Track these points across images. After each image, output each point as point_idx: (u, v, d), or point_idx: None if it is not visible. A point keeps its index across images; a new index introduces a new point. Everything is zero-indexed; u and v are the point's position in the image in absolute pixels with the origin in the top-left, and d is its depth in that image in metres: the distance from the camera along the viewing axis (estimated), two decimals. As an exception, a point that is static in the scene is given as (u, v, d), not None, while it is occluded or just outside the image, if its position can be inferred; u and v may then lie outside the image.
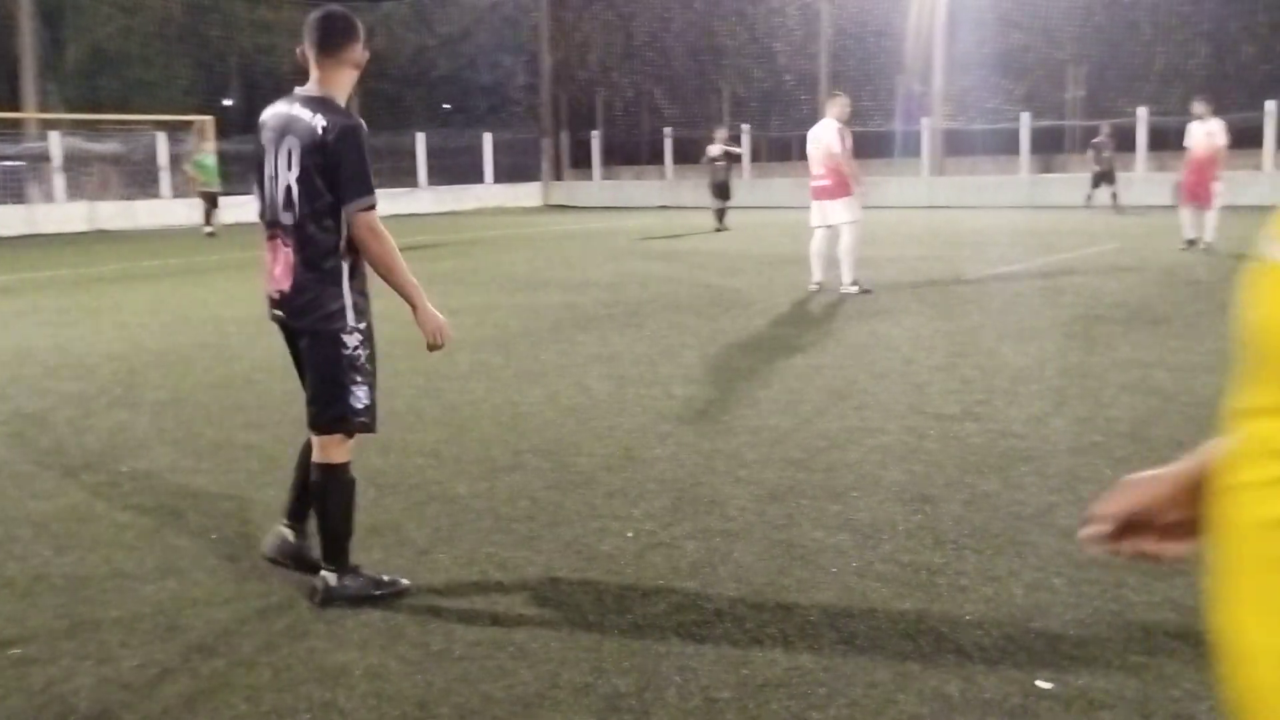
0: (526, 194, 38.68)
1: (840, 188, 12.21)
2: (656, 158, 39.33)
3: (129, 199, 29.25)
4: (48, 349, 9.71)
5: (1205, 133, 15.97)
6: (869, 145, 36.18)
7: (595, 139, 39.43)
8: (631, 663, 3.42)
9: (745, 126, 36.26)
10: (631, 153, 43.38)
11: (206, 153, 24.84)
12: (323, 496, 4.06)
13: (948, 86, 34.82)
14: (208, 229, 23.83)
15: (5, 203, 27.15)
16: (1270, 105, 27.44)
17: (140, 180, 29.90)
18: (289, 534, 4.17)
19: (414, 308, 4.07)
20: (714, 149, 23.37)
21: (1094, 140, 25.87)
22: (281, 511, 4.28)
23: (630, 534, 4.60)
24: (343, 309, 3.96)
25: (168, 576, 4.26)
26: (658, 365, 8.31)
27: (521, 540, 4.56)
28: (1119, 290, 11.97)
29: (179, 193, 29.19)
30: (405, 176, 35.80)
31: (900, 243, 18.48)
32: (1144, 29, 36.34)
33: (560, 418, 6.71)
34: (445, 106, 46.41)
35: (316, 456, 4.06)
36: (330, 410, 4.00)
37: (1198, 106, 16.35)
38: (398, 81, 45.86)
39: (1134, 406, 6.62)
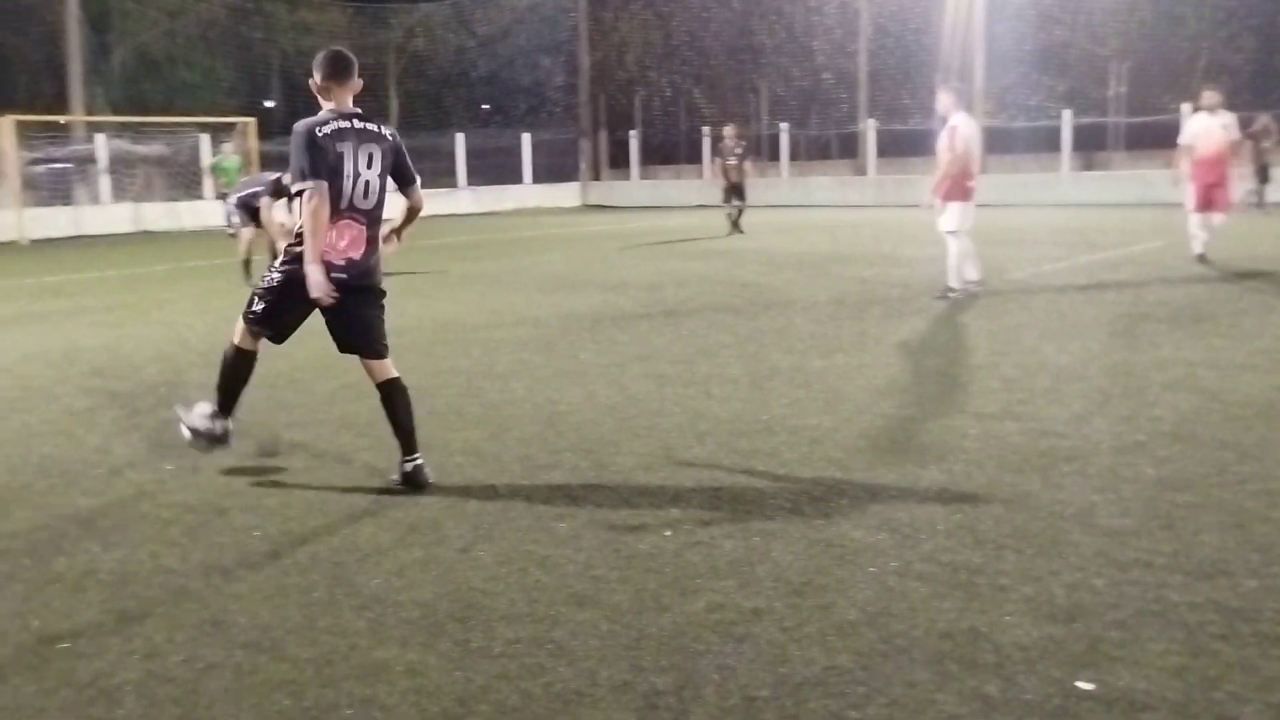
0: (565, 194, 38.78)
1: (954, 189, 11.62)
2: (694, 157, 39.31)
3: (173, 200, 29.61)
4: (95, 349, 9.86)
5: (1220, 126, 13.90)
6: (909, 144, 36.02)
7: (633, 138, 39.47)
8: (670, 661, 3.43)
9: (784, 125, 36.12)
10: (670, 152, 43.40)
11: (225, 155, 24.84)
12: (396, 401, 5.44)
13: (988, 84, 34.54)
14: (230, 230, 24.00)
15: (53, 204, 27.57)
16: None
17: (184, 182, 30.26)
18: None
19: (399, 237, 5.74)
20: (726, 142, 22.48)
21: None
22: (402, 452, 5.38)
23: (669, 532, 4.61)
24: (380, 268, 5.52)
25: (211, 573, 4.32)
26: (696, 364, 8.32)
27: (561, 538, 4.58)
28: (1163, 288, 11.84)
29: (221, 194, 29.50)
30: (444, 177, 36.00)
31: (941, 241, 18.36)
32: (1189, 23, 35.90)
33: (599, 417, 6.73)
34: (484, 107, 46.64)
35: (381, 376, 5.46)
36: (381, 340, 5.50)
37: (1210, 97, 14.14)
38: (437, 83, 46.20)
39: (1177, 406, 6.55)
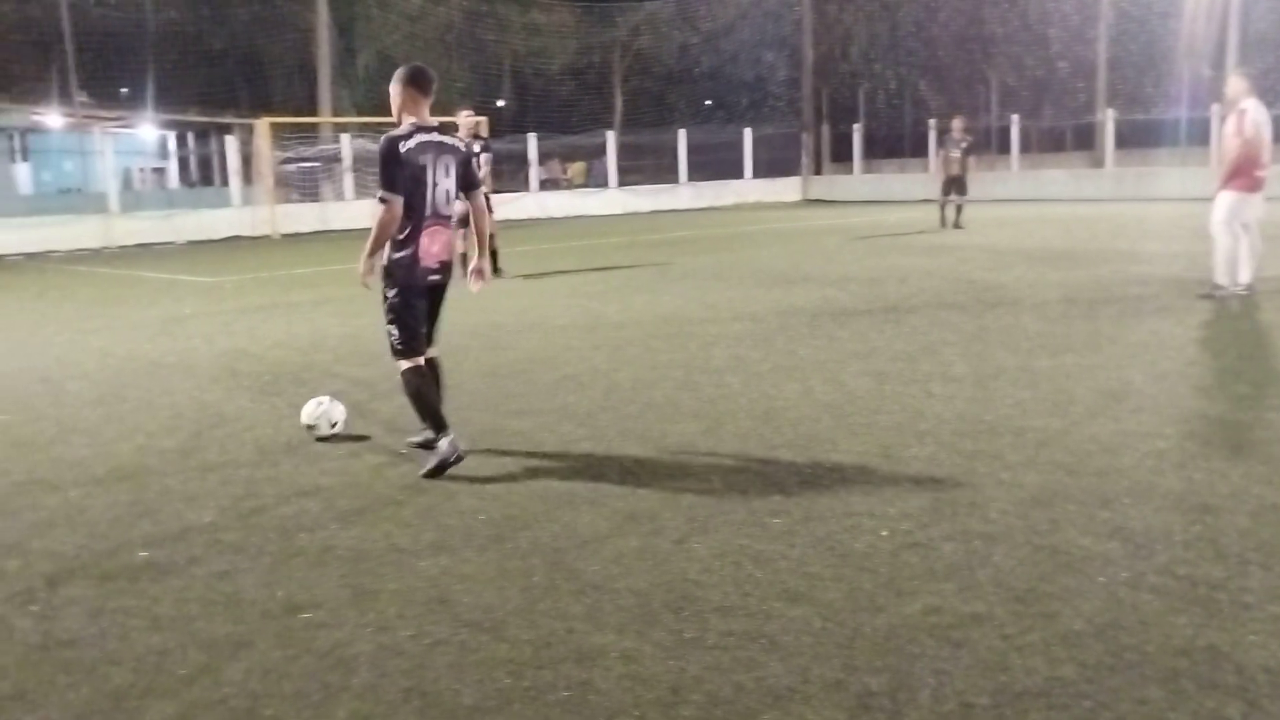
0: (785, 189, 38.56)
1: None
2: (919, 150, 38.40)
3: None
4: (339, 336, 10.44)
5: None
6: (1150, 134, 34.16)
7: (856, 132, 38.86)
8: (884, 662, 3.38)
9: (1014, 116, 34.86)
10: (894, 145, 42.57)
11: None
12: (442, 380, 6.08)
13: (1243, 68, 32.35)
14: None
15: (302, 201, 29.33)
16: None
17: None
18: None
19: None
20: (953, 135, 21.94)
21: None
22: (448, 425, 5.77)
23: (885, 533, 4.53)
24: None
25: (440, 553, 4.51)
26: (917, 362, 8.14)
27: (775, 534, 4.57)
28: None
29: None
30: (666, 173, 36.37)
31: (1187, 237, 17.35)
32: None
33: (816, 413, 6.67)
34: (707, 103, 46.89)
35: (434, 354, 6.07)
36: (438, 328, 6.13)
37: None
38: (661, 80, 46.75)
39: None
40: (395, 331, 5.82)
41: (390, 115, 5.92)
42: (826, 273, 14.54)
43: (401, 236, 5.66)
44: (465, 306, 12.35)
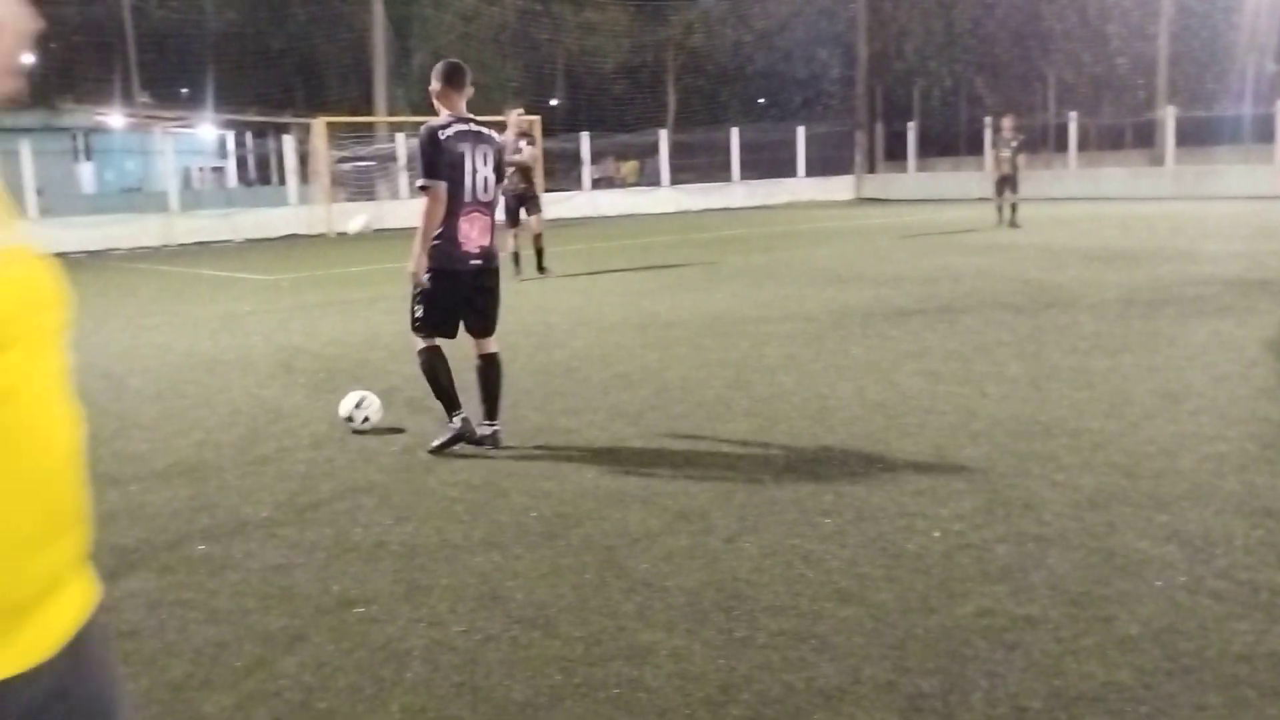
0: (839, 187, 38.35)
1: None
2: (975, 148, 37.96)
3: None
4: (393, 333, 10.53)
5: None
6: (1212, 132, 33.57)
7: (911, 130, 38.54)
8: (936, 664, 3.36)
9: (1072, 114, 34.39)
10: (949, 143, 42.11)
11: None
12: (492, 374, 6.21)
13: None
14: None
15: (357, 199, 29.62)
16: None
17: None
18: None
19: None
20: (1004, 133, 21.76)
21: None
22: (484, 416, 6.16)
23: (937, 534, 4.50)
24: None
25: (491, 549, 4.54)
26: (971, 362, 8.06)
27: (826, 534, 4.56)
28: None
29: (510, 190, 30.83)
30: (719, 172, 36.32)
31: (1249, 235, 17.05)
32: None
33: (868, 413, 6.63)
34: (760, 101, 46.74)
35: (486, 350, 6.23)
36: (497, 318, 6.31)
37: None
38: (714, 78, 46.67)
39: None
40: (419, 309, 6.10)
41: (439, 115, 6.06)
42: (880, 272, 14.44)
43: (441, 223, 5.94)
44: (517, 305, 12.42)
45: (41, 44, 39.22)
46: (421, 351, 6.18)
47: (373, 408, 6.69)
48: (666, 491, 5.23)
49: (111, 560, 4.55)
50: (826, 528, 4.63)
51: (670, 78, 46.57)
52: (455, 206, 5.94)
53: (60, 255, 23.16)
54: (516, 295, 13.23)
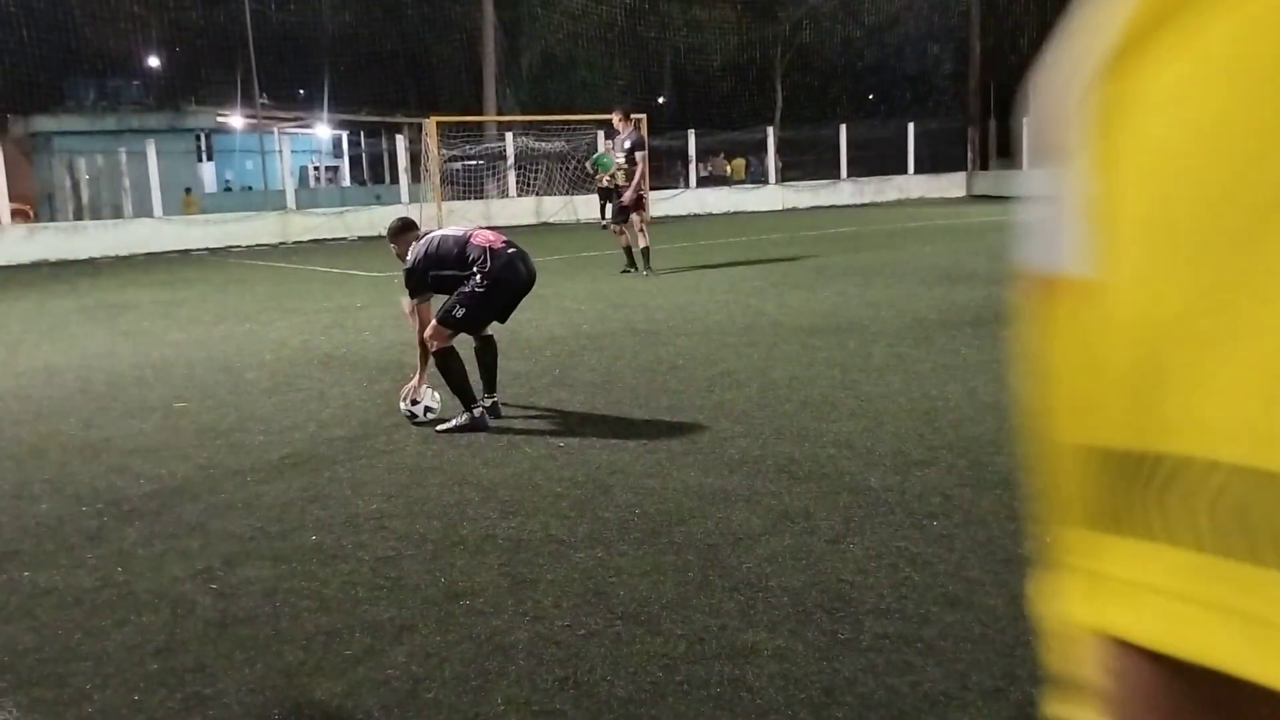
0: (949, 184, 37.71)
1: None
2: (1092, 144, 36.97)
3: (569, 194, 31.48)
4: (499, 330, 10.65)
5: None
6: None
7: (1025, 126, 37.61)
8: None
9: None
10: (1065, 139, 41.06)
11: (605, 150, 25.51)
12: (489, 351, 7.02)
13: None
14: (602, 224, 25.01)
15: (466, 198, 30.06)
16: None
17: (580, 177, 32.09)
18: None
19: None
20: None
21: None
22: (484, 390, 6.86)
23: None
24: None
25: (595, 545, 4.57)
26: (1086, 364, 7.84)
27: (934, 537, 4.48)
28: None
29: (600, 189, 30.99)
30: (827, 169, 36.01)
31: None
32: None
33: (978, 414, 6.51)
34: (869, 97, 46.21)
35: (487, 332, 6.93)
36: None
37: None
38: (822, 74, 46.27)
39: None
40: (458, 311, 6.58)
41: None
42: (992, 270, 14.15)
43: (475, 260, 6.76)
44: (623, 302, 12.48)
45: (168, 48, 40.60)
46: (442, 351, 6.61)
47: (431, 400, 6.89)
48: (770, 491, 5.20)
49: (229, 548, 4.69)
50: (933, 530, 4.56)
51: (778, 74, 46.31)
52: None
53: (183, 252, 23.99)
54: (623, 293, 13.28)
